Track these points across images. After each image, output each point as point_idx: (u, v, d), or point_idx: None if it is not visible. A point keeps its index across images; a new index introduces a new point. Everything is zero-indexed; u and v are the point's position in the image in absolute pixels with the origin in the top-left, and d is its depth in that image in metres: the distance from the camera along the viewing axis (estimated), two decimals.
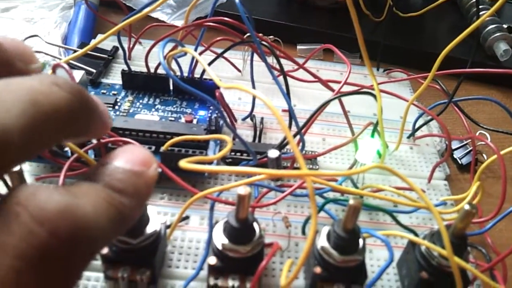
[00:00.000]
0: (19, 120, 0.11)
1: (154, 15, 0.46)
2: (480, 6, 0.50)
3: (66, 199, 0.12)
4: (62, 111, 0.13)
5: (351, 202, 0.23)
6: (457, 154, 0.38)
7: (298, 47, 0.46)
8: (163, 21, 0.45)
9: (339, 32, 0.46)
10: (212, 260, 0.24)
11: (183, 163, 0.21)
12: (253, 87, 0.36)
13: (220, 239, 0.24)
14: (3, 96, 0.12)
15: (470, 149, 0.37)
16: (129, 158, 0.15)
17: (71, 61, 0.37)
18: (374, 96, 0.30)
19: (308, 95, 0.41)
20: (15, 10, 0.46)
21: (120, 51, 0.39)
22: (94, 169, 0.15)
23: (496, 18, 0.49)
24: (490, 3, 0.53)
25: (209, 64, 0.35)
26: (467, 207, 0.23)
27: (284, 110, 0.38)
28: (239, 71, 0.41)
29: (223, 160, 0.32)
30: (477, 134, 0.38)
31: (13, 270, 0.11)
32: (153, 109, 0.35)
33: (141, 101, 0.35)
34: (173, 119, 0.34)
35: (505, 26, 0.49)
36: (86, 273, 0.25)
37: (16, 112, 0.12)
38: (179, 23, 0.44)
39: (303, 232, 0.29)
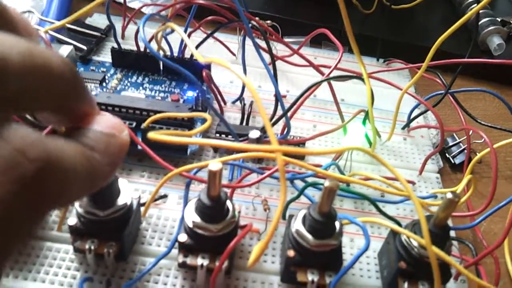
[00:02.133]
0: (17, 56, 0.12)
1: (132, 5, 0.44)
2: None
3: (38, 133, 0.13)
4: (53, 72, 0.13)
5: (327, 183, 0.22)
6: (450, 153, 0.36)
7: (285, 39, 0.45)
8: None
9: (328, 24, 0.45)
10: (183, 237, 0.23)
11: (152, 134, 0.20)
12: (244, 70, 0.35)
13: (192, 217, 0.23)
14: (6, 38, 0.12)
15: (464, 147, 0.36)
16: (99, 123, 0.16)
17: (61, 37, 0.37)
18: (363, 80, 0.29)
19: (303, 81, 0.40)
20: None
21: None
22: (66, 131, 0.16)
23: (489, 11, 0.48)
24: None
25: (199, 44, 0.34)
26: (449, 195, 0.22)
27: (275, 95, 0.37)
28: (234, 54, 0.41)
29: None
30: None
31: None
32: (141, 88, 0.34)
33: (129, 79, 0.35)
34: (160, 98, 0.33)
35: (498, 19, 0.48)
36: (56, 245, 0.25)
37: (16, 50, 0.12)
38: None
39: (283, 217, 0.29)
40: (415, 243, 0.24)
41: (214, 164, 0.22)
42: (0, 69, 0.12)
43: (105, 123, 0.16)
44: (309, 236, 0.23)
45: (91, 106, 0.16)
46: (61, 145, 0.14)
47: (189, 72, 0.28)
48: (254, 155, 0.26)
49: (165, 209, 0.28)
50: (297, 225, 0.24)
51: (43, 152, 0.12)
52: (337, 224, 0.24)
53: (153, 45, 0.34)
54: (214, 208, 0.23)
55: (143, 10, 0.42)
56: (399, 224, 0.27)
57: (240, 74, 0.22)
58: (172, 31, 0.31)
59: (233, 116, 0.35)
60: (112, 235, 0.23)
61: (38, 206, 0.13)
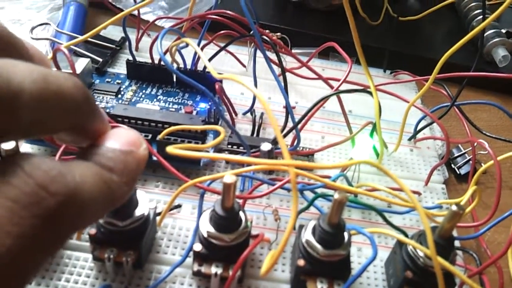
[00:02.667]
0: (31, 85, 0.12)
1: (145, 17, 0.46)
2: (479, 11, 0.49)
3: (59, 165, 0.13)
4: (66, 98, 0.14)
5: (336, 196, 0.23)
6: (455, 164, 0.37)
7: (293, 50, 0.46)
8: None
9: (335, 36, 0.46)
10: (197, 246, 0.24)
11: (170, 148, 0.21)
12: (255, 82, 0.36)
13: (206, 227, 0.24)
14: (20, 66, 0.13)
15: (469, 158, 0.36)
16: (117, 139, 0.16)
17: (77, 49, 0.38)
18: (371, 94, 0.30)
19: (312, 93, 0.41)
20: (2, 11, 0.44)
21: None
22: (84, 150, 0.16)
23: (495, 23, 0.49)
24: (489, 7, 0.52)
25: (212, 57, 0.36)
26: (454, 207, 0.23)
27: (285, 107, 0.38)
28: (244, 66, 0.42)
29: (220, 152, 0.33)
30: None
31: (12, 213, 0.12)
32: (155, 100, 0.35)
33: (144, 91, 0.36)
34: (173, 110, 0.35)
35: (503, 31, 0.48)
36: (76, 254, 0.26)
37: (30, 79, 0.12)
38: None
39: (294, 227, 0.29)
40: (421, 253, 0.25)
41: (229, 176, 0.23)
42: (13, 99, 0.12)
43: (123, 139, 0.16)
44: (318, 246, 0.24)
45: (102, 123, 0.16)
46: (81, 175, 0.14)
47: (202, 84, 0.29)
48: (267, 168, 0.27)
49: (179, 219, 0.29)
50: (307, 235, 0.25)
51: (65, 187, 0.13)
52: (345, 234, 0.25)
53: (167, 57, 0.36)
54: (228, 219, 0.24)
55: (157, 22, 0.43)
56: (405, 234, 0.28)
57: (253, 89, 0.23)
58: (187, 45, 0.32)
59: (243, 127, 0.36)
60: (131, 244, 0.24)
61: (57, 236, 0.13)
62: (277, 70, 0.34)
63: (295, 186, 0.21)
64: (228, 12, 0.33)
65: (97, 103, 0.17)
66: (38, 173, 0.12)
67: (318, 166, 0.25)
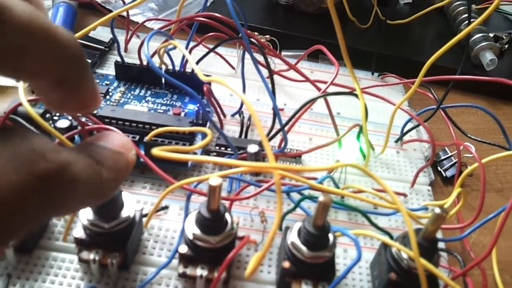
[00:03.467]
0: (20, 10, 0.13)
1: (135, 18, 0.46)
2: (467, 15, 0.50)
3: (60, 147, 0.14)
4: (58, 38, 0.14)
5: (321, 198, 0.23)
6: (442, 167, 0.37)
7: (283, 53, 0.46)
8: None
9: (325, 38, 0.46)
10: (183, 248, 0.25)
11: (155, 151, 0.21)
12: (243, 84, 0.36)
13: (192, 229, 0.24)
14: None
15: (455, 161, 0.37)
16: (110, 140, 0.17)
17: None
18: (357, 96, 0.30)
19: (300, 94, 0.41)
20: None
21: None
22: (78, 146, 0.17)
23: (482, 27, 0.49)
24: (477, 11, 0.53)
25: (200, 59, 0.36)
26: (437, 210, 0.24)
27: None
28: (233, 68, 0.42)
29: (207, 154, 0.33)
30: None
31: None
32: (144, 101, 0.35)
33: (132, 92, 0.36)
34: (162, 111, 0.35)
35: (491, 34, 0.49)
36: (61, 255, 0.26)
37: (21, 8, 0.13)
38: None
39: (280, 228, 0.30)
40: (404, 255, 0.25)
41: (214, 179, 0.23)
42: (0, 17, 0.12)
43: (115, 141, 0.17)
44: (304, 248, 0.24)
45: (93, 89, 0.17)
46: (74, 156, 0.15)
47: (190, 86, 0.29)
48: (252, 170, 0.28)
49: (166, 220, 0.29)
50: (293, 237, 0.25)
51: (59, 159, 0.14)
52: (330, 236, 0.25)
53: (156, 59, 0.36)
54: (213, 221, 0.24)
55: (146, 24, 0.43)
56: (390, 235, 0.28)
57: (240, 91, 0.23)
58: (175, 47, 0.32)
59: (232, 129, 0.36)
60: (116, 246, 0.24)
61: (46, 201, 0.14)
62: (266, 72, 0.34)
63: (279, 190, 0.21)
64: (216, 14, 0.33)
65: None
66: (36, 141, 0.14)
67: (302, 169, 0.25)
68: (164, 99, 0.36)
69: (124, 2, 0.42)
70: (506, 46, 0.52)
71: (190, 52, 0.36)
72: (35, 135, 0.14)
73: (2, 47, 0.13)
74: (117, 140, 0.17)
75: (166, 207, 0.30)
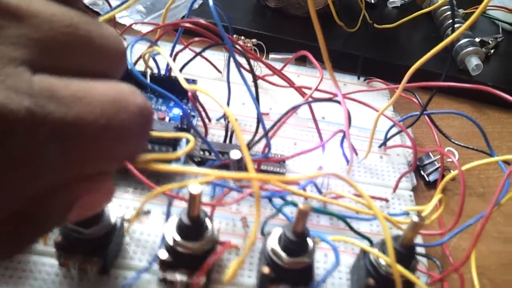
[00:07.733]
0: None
1: (122, 21, 0.45)
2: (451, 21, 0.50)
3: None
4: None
5: (300, 206, 0.23)
6: (425, 171, 0.38)
7: (271, 55, 0.46)
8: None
9: (312, 42, 0.46)
10: (163, 254, 0.25)
11: (138, 161, 0.21)
12: (229, 88, 0.36)
13: (172, 235, 0.25)
14: None
15: (438, 165, 0.37)
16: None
17: None
18: (339, 103, 0.30)
19: (286, 99, 0.41)
20: None
21: None
22: None
23: (468, 32, 0.50)
24: (464, 16, 0.53)
25: (185, 64, 0.36)
26: (415, 218, 0.24)
27: (263, 114, 0.38)
28: (219, 71, 0.42)
29: (191, 159, 0.33)
30: (446, 150, 0.38)
31: None
32: None
33: None
34: None
35: (477, 39, 0.49)
36: (41, 259, 0.26)
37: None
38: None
39: (262, 233, 0.30)
40: (382, 261, 0.25)
41: (194, 186, 0.23)
42: None
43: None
44: (283, 254, 0.25)
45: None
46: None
47: (175, 90, 0.29)
48: (232, 178, 0.28)
49: (148, 225, 0.29)
50: (273, 243, 0.25)
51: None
52: (310, 242, 0.25)
53: (142, 63, 0.36)
54: (193, 228, 0.24)
55: (133, 27, 0.43)
56: (370, 241, 0.28)
57: (223, 99, 0.23)
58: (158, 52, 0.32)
59: (217, 133, 0.36)
60: (96, 252, 0.25)
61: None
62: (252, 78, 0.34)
63: (258, 199, 0.21)
64: (201, 21, 0.33)
65: None
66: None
67: (282, 179, 0.25)
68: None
69: (109, 5, 0.42)
70: (492, 51, 0.52)
71: (175, 57, 0.36)
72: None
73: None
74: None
75: (148, 212, 0.30)
